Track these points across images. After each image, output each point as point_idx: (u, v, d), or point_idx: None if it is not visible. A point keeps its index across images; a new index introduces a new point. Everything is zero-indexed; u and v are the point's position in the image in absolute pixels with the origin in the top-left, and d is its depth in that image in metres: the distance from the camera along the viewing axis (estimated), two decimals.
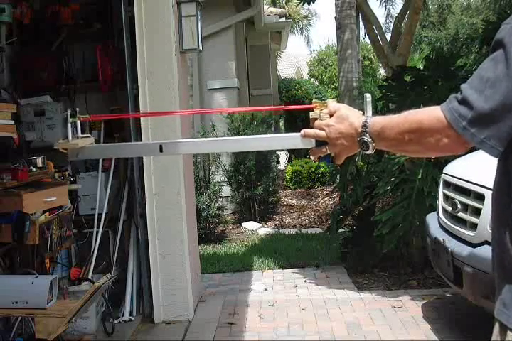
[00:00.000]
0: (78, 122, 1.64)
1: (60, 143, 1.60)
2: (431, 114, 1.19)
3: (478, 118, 1.12)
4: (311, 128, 1.38)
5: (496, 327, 1.22)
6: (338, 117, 1.32)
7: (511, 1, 9.53)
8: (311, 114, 1.38)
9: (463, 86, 1.17)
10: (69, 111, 1.67)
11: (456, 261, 3.02)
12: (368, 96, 1.36)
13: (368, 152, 1.30)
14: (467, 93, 1.14)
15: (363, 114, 1.34)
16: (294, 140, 1.44)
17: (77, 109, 1.72)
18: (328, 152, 1.37)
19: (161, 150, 1.55)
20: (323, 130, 1.34)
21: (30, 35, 3.98)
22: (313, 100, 1.43)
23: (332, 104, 1.37)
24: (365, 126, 1.27)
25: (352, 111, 1.33)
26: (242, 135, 7.07)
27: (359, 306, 4.02)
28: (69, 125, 1.62)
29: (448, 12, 22.88)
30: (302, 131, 1.38)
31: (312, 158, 1.43)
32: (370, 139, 1.27)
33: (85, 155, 1.62)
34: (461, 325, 3.60)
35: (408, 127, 1.21)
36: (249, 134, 7.05)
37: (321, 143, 1.36)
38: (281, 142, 1.59)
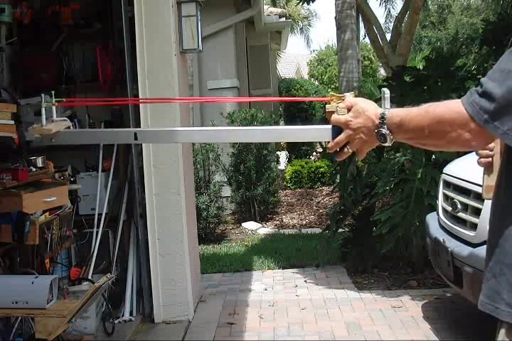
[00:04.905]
0: (54, 107, 1.62)
1: (33, 127, 1.57)
2: (451, 108, 1.18)
3: (500, 110, 1.12)
4: (326, 120, 1.37)
5: (504, 329, 1.21)
6: (355, 111, 1.31)
7: (511, 1, 9.52)
8: (328, 107, 1.36)
9: (483, 79, 1.16)
10: (43, 96, 1.65)
11: (456, 261, 3.02)
12: (387, 92, 1.34)
13: (386, 144, 1.29)
14: (488, 85, 1.14)
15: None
16: (313, 132, 1.44)
17: (53, 92, 1.70)
18: (351, 151, 1.35)
19: (135, 138, 1.52)
20: (343, 129, 1.33)
21: (30, 35, 3.98)
22: (331, 92, 1.41)
23: (349, 98, 1.35)
24: (382, 117, 1.27)
25: (369, 104, 1.32)
26: None
27: (359, 306, 4.02)
28: (43, 109, 1.59)
29: (448, 12, 22.89)
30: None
31: (338, 159, 1.42)
32: (387, 131, 1.27)
33: (59, 140, 1.58)
34: (461, 325, 3.60)
35: (428, 121, 1.20)
36: None
37: (337, 132, 1.35)
38: (299, 134, 1.54)
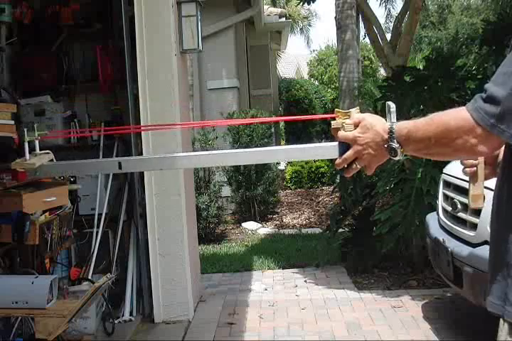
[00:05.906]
0: (37, 141, 1.61)
1: (16, 162, 1.56)
2: (457, 115, 1.19)
3: (505, 113, 1.13)
4: (331, 135, 1.37)
5: (505, 328, 1.22)
6: (363, 127, 1.30)
7: (511, 1, 9.53)
8: (333, 124, 1.35)
9: (487, 85, 1.17)
10: (26, 130, 1.64)
11: (456, 261, 3.02)
12: (392, 106, 1.32)
13: (397, 158, 1.28)
14: (492, 90, 1.15)
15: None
16: (319, 150, 1.43)
17: (36, 125, 1.69)
18: (359, 167, 1.34)
19: (120, 168, 1.50)
20: (351, 145, 1.32)
21: (30, 35, 3.98)
22: (336, 109, 1.40)
23: (356, 114, 1.34)
24: (391, 131, 1.26)
25: (376, 119, 1.31)
26: (241, 134, 7.06)
27: (359, 306, 4.02)
28: (26, 144, 1.57)
29: (448, 12, 22.86)
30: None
31: (346, 176, 1.41)
32: (397, 145, 1.26)
33: (44, 173, 1.57)
34: (461, 325, 3.60)
35: (435, 130, 1.21)
36: (249, 134, 7.05)
37: (343, 149, 1.34)
38: (305, 153, 1.50)
